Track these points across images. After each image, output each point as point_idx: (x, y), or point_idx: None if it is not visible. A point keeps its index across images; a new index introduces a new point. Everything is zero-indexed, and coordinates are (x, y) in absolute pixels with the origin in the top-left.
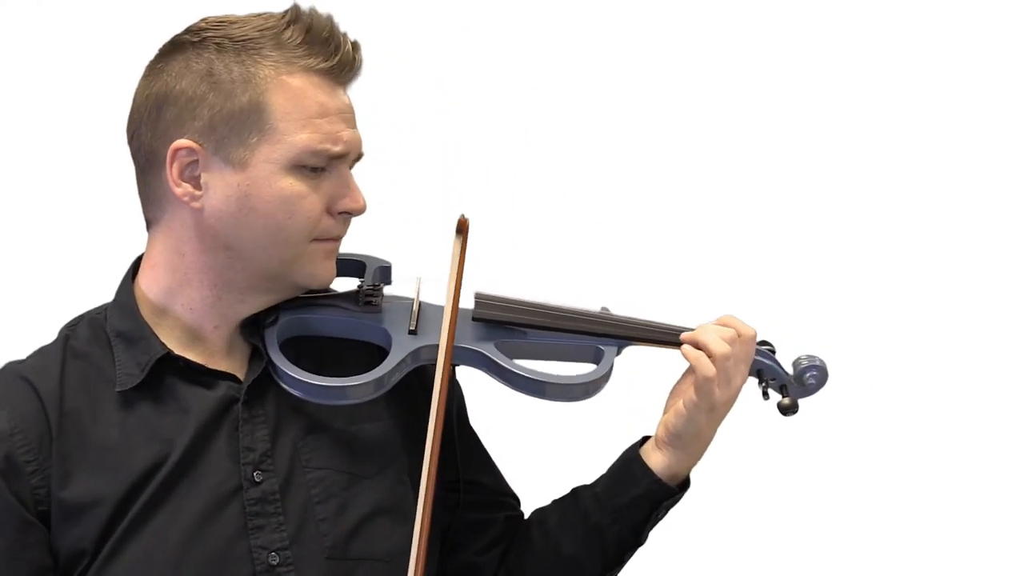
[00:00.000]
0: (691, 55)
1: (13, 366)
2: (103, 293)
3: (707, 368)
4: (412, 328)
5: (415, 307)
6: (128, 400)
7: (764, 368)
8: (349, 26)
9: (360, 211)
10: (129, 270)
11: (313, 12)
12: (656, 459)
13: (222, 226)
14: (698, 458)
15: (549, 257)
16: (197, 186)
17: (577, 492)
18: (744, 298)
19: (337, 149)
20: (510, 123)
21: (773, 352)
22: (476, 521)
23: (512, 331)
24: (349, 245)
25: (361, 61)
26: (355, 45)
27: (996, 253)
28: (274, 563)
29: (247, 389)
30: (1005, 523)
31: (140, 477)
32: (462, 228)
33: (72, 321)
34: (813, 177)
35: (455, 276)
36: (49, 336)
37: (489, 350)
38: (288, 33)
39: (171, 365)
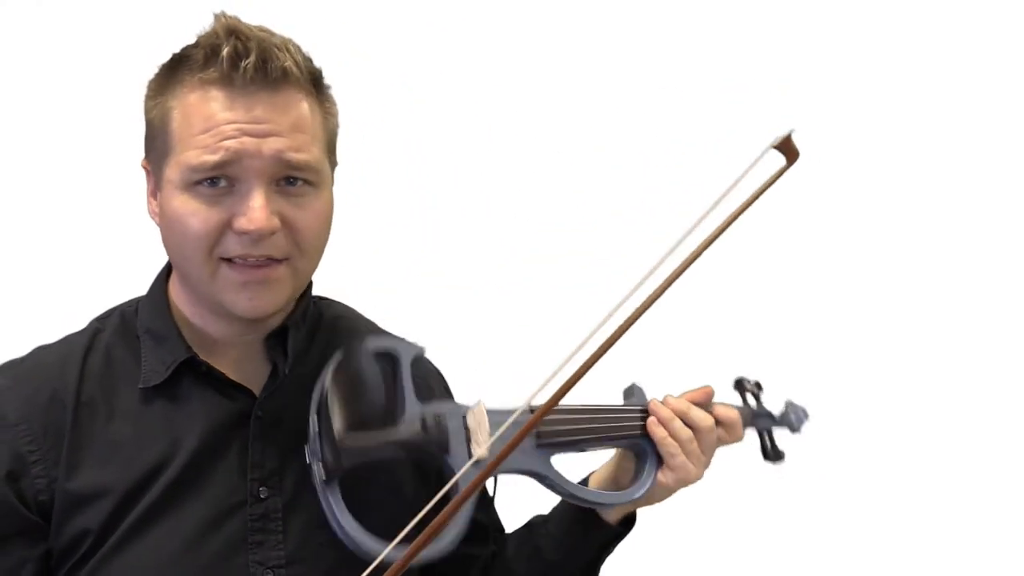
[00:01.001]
0: (658, 55)
1: (37, 352)
2: (127, 290)
3: (672, 455)
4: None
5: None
6: (147, 397)
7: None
8: (312, 25)
9: (252, 232)
10: (164, 268)
11: (215, 21)
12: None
13: (165, 244)
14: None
15: (514, 253)
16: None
17: (531, 526)
18: (741, 301)
19: (214, 159)
20: (474, 121)
21: (760, 388)
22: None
23: (571, 447)
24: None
25: (258, 64)
26: (243, 50)
27: (992, 256)
28: None
29: (262, 404)
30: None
31: (147, 473)
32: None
33: (104, 313)
34: (806, 176)
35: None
36: (77, 326)
37: (551, 472)
38: (204, 49)
39: (194, 369)
